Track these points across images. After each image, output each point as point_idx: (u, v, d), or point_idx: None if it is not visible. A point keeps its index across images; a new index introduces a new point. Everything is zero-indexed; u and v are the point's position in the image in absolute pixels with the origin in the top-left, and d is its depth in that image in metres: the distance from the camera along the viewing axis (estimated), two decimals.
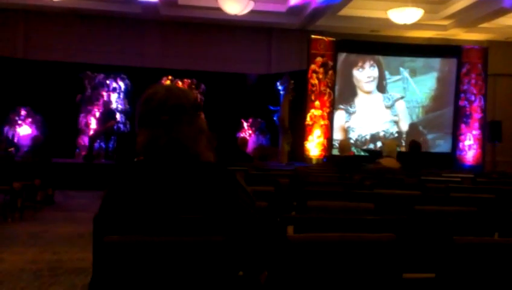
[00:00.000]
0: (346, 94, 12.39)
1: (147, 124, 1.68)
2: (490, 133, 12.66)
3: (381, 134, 12.36)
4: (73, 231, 6.05)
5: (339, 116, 12.32)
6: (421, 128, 12.69)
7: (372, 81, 12.45)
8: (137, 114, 1.73)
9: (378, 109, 12.47)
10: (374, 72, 12.45)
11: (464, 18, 12.12)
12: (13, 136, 11.44)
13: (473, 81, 12.75)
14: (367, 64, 12.43)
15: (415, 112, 12.66)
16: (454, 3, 11.84)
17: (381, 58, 12.51)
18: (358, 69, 12.42)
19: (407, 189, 4.06)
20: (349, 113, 12.38)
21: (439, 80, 12.78)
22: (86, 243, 5.29)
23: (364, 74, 12.42)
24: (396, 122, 12.54)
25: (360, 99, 12.44)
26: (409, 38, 13.05)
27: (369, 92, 12.46)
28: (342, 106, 12.33)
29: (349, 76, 12.42)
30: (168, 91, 1.71)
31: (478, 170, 11.66)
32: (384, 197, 3.25)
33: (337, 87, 12.23)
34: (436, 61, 12.80)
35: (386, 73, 12.54)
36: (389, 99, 12.49)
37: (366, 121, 12.40)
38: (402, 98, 12.55)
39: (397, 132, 12.46)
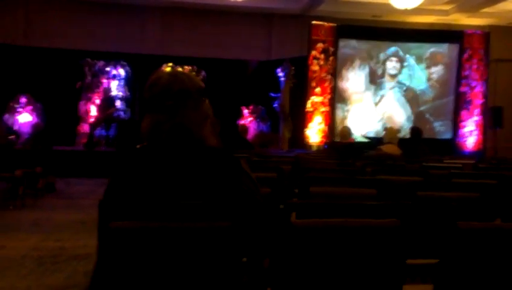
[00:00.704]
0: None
1: (152, 110, 1.67)
2: (491, 119, 12.63)
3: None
4: (75, 218, 6.07)
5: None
6: (427, 116, 12.61)
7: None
8: (143, 99, 1.72)
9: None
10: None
11: (465, 3, 12.04)
12: (13, 123, 11.43)
13: (475, 66, 12.68)
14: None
15: (420, 99, 12.57)
16: None
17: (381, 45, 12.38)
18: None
19: (409, 175, 4.06)
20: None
21: (445, 67, 12.70)
22: (87, 229, 5.31)
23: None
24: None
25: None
26: (410, 23, 12.97)
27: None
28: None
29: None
30: (173, 76, 1.70)
31: (479, 156, 11.65)
32: (387, 183, 3.25)
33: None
34: (441, 47, 12.70)
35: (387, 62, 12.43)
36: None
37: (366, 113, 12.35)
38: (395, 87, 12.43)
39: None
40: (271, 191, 2.97)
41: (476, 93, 12.70)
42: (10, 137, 10.17)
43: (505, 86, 13.48)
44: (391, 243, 1.79)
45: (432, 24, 13.26)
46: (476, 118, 12.70)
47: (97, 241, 1.62)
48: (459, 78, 12.66)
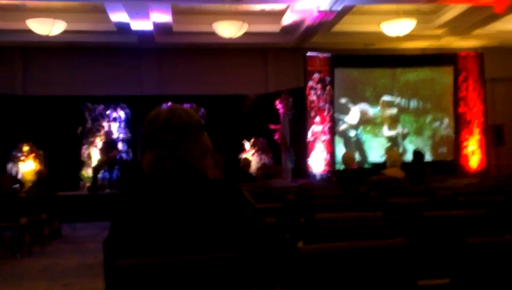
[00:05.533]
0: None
1: (152, 146, 1.68)
2: (493, 137, 12.64)
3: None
4: (82, 262, 6.02)
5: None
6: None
7: None
8: (143, 136, 1.74)
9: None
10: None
11: (457, 26, 12.21)
12: (17, 172, 11.45)
13: (471, 87, 12.78)
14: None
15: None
16: (447, 12, 11.94)
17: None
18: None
19: (414, 196, 4.04)
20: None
21: (441, 89, 12.80)
22: (95, 273, 5.26)
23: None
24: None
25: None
26: (404, 49, 13.14)
27: None
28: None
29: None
30: (171, 112, 1.72)
31: (483, 174, 11.60)
32: (392, 205, 3.24)
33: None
34: (435, 71, 12.81)
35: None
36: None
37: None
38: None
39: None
40: (276, 220, 2.95)
41: (475, 113, 12.75)
42: (14, 186, 10.19)
43: (503, 104, 13.55)
44: (400, 263, 1.78)
45: (424, 49, 13.43)
46: (477, 137, 12.70)
47: (104, 282, 1.61)
48: (457, 100, 12.73)
